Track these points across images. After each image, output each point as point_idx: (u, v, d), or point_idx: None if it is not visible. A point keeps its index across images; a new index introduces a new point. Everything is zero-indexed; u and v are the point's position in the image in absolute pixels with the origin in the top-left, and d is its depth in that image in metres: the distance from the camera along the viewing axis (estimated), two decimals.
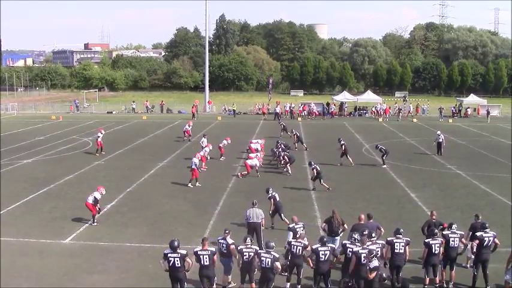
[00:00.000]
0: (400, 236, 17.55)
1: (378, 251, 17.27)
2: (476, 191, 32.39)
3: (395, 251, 17.36)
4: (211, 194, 30.87)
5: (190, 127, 53.57)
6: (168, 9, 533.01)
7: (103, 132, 45.48)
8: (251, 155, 38.01)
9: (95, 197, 25.26)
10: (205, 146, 39.63)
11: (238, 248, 17.10)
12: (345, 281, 17.61)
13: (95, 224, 25.09)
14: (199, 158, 35.30)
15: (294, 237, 19.27)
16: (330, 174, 35.50)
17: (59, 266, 20.11)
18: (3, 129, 60.36)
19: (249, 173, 35.58)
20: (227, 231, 18.09)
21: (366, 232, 17.77)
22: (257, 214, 21.36)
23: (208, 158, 38.76)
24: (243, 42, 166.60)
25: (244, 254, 16.90)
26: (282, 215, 24.18)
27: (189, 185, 33.06)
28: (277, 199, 24.51)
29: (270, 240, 18.20)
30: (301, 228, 19.79)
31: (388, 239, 17.65)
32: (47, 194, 30.97)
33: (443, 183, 34.41)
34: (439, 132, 46.13)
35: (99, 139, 44.17)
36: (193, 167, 33.28)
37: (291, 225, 20.02)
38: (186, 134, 52.79)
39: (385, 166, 38.84)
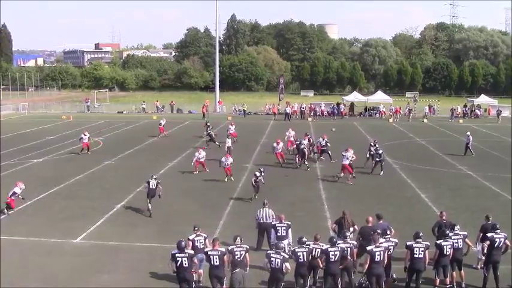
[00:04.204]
0: (420, 240, 17.27)
1: (391, 248, 17.49)
2: (486, 191, 32.25)
3: (415, 255, 17.07)
4: (221, 194, 30.86)
5: (162, 125, 55.76)
6: (178, 9, 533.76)
7: (87, 134, 45.25)
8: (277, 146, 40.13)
9: (14, 191, 26.76)
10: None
11: (229, 248, 17.06)
12: (359, 281, 17.61)
13: (8, 214, 26.58)
14: (200, 152, 37.14)
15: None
16: (339, 173, 35.56)
17: (69, 265, 20.17)
18: (14, 129, 60.62)
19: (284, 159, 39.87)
20: (197, 228, 18.64)
21: (379, 231, 17.86)
22: (268, 214, 21.33)
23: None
24: (253, 42, 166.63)
25: (236, 253, 16.89)
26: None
27: (195, 172, 36.46)
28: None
29: (280, 241, 18.22)
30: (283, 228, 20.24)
31: (408, 243, 17.29)
32: (57, 194, 31.05)
33: (454, 183, 34.29)
34: (468, 133, 46.10)
35: (84, 140, 44.44)
36: (195, 160, 36.72)
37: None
38: (161, 132, 55.24)
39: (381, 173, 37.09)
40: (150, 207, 26.81)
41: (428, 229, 19.88)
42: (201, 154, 37.00)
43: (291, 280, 17.03)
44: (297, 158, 39.46)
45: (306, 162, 38.72)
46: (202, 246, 17.83)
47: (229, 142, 43.21)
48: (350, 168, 34.07)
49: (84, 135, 44.68)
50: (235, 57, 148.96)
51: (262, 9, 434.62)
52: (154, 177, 27.93)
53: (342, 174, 34.20)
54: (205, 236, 18.38)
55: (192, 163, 36.65)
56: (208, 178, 33.86)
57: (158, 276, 18.89)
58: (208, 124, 52.15)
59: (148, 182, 27.36)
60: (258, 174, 29.30)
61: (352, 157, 34.74)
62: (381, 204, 28.06)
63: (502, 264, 18.10)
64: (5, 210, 26.51)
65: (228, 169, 34.15)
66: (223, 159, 34.49)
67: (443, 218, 20.27)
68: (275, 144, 40.46)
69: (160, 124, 56.01)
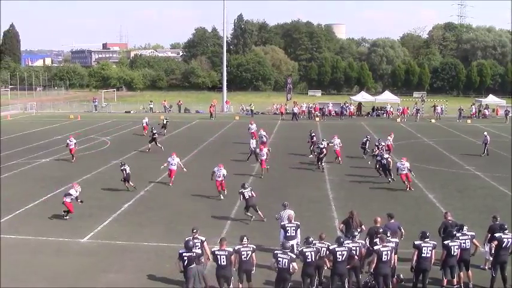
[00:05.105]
0: (428, 239, 17.29)
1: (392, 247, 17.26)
2: (494, 192, 32.15)
3: (423, 255, 17.08)
4: (229, 194, 30.73)
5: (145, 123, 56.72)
6: (186, 9, 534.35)
7: (73, 139, 42.12)
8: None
9: (69, 193, 26.05)
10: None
11: (236, 248, 17.07)
12: (364, 281, 17.58)
13: (66, 218, 25.81)
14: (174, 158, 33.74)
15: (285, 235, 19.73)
16: (346, 174, 35.43)
17: (76, 264, 20.23)
18: (22, 129, 60.91)
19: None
20: (195, 230, 18.23)
21: (381, 230, 18.01)
22: (289, 215, 21.23)
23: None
24: (261, 42, 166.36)
25: (242, 253, 16.95)
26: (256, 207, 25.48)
27: (170, 184, 33.15)
28: (247, 196, 25.26)
29: (287, 241, 18.19)
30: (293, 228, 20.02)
31: (416, 242, 17.29)
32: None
33: (461, 184, 34.22)
34: (485, 133, 46.06)
35: (71, 146, 41.36)
36: (168, 168, 33.50)
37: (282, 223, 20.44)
38: (144, 131, 55.90)
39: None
40: (132, 185, 31.55)
41: (435, 229, 19.83)
42: (174, 160, 33.51)
43: (297, 280, 17.03)
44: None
45: (323, 163, 38.39)
46: (198, 251, 17.51)
47: (253, 143, 41.54)
48: (409, 178, 32.29)
49: (70, 140, 41.82)
50: (243, 57, 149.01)
51: (269, 9, 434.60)
52: (124, 163, 31.98)
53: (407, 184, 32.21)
54: (203, 239, 18.15)
55: (166, 169, 33.65)
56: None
57: (165, 276, 18.89)
58: (166, 120, 54.97)
59: (124, 170, 31.32)
60: (244, 190, 25.67)
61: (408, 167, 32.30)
62: (389, 205, 27.94)
63: (509, 265, 18.06)
64: (64, 214, 26.01)
65: (221, 183, 30.06)
66: (215, 169, 30.32)
67: (449, 218, 20.23)
68: (258, 150, 38.21)
69: (143, 123, 57.27)
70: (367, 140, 42.64)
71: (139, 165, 39.13)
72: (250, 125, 51.18)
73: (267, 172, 36.43)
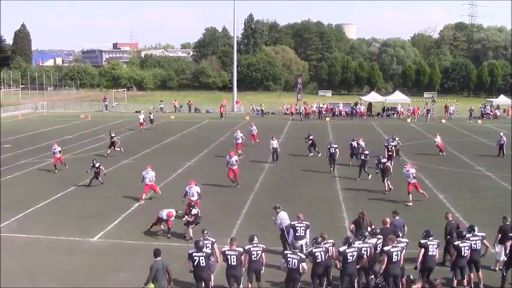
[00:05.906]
0: (432, 238, 17.36)
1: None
2: (505, 193, 31.91)
3: (429, 253, 17.16)
4: (239, 193, 30.85)
5: (142, 120, 60.59)
6: (196, 9, 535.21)
7: (57, 146, 38.20)
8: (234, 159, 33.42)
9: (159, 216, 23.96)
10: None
11: (246, 247, 17.09)
12: (375, 282, 17.56)
13: (169, 236, 23.81)
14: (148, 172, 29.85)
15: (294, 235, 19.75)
16: (355, 174, 35.36)
17: (87, 263, 20.31)
18: (33, 128, 61.23)
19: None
20: (206, 232, 18.22)
21: (378, 231, 18.40)
22: (283, 217, 21.20)
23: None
24: (271, 42, 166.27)
25: (252, 252, 16.98)
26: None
27: (141, 201, 29.47)
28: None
29: (296, 241, 18.18)
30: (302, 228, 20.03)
31: (422, 241, 17.33)
32: (75, 193, 31.23)
33: (472, 184, 34.05)
34: (502, 133, 45.53)
35: (56, 154, 37.66)
36: (145, 182, 29.66)
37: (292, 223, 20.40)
38: (141, 126, 59.72)
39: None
40: (100, 180, 33.12)
41: (444, 230, 19.78)
42: (149, 174, 29.66)
43: (307, 280, 17.03)
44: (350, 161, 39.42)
45: (333, 166, 37.58)
46: (208, 251, 17.38)
47: (274, 143, 40.52)
48: (418, 187, 29.39)
49: (54, 148, 38.09)
50: (253, 57, 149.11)
51: (280, 9, 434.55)
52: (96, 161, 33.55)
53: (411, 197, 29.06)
54: (213, 240, 18.06)
55: (142, 182, 29.78)
56: (225, 178, 33.65)
57: (174, 276, 18.86)
58: (151, 118, 59.33)
59: (99, 166, 32.83)
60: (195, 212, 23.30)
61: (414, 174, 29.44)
62: (398, 205, 27.85)
63: None
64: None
65: (191, 203, 24.92)
66: (187, 188, 26.38)
67: (451, 219, 20.25)
68: (228, 158, 33.16)
69: (139, 119, 60.71)
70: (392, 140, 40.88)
71: (150, 165, 39.15)
72: (251, 127, 49.08)
73: (237, 185, 32.91)
